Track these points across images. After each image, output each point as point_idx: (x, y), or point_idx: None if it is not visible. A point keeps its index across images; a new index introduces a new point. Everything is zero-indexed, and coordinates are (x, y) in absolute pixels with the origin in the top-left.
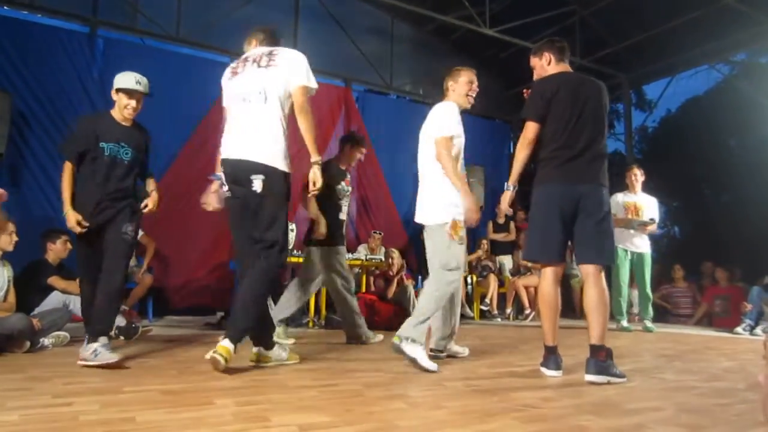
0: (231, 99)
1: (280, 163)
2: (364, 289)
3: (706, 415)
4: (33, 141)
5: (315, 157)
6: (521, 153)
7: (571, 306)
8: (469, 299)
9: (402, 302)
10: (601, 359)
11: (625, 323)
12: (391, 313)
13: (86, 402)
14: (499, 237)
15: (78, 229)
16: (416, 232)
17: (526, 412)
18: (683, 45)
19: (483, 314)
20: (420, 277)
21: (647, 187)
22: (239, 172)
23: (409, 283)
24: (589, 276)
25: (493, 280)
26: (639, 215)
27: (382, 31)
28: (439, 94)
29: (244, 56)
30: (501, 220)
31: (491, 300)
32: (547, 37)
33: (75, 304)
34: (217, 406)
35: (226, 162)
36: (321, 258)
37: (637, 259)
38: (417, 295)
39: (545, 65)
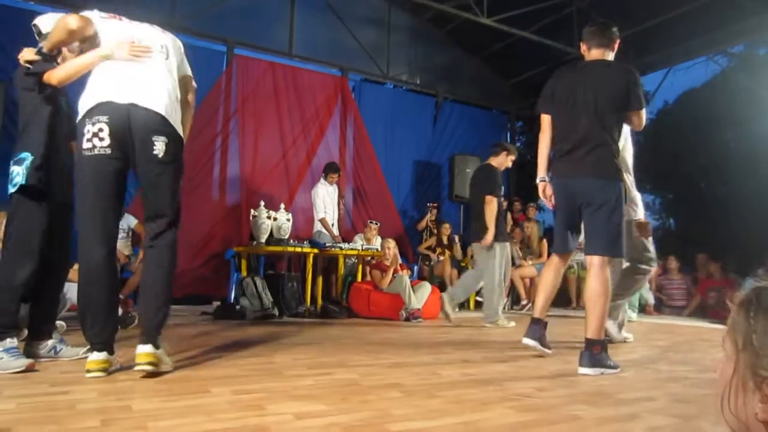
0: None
1: (181, 128)
2: (360, 279)
3: (697, 405)
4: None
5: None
6: (540, 145)
7: (566, 294)
8: None
9: (399, 292)
10: (595, 352)
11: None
12: (387, 303)
13: (83, 390)
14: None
15: None
16: (412, 223)
17: (521, 402)
18: (681, 36)
19: (479, 304)
20: (415, 265)
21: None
22: (137, 126)
23: (405, 273)
24: (592, 267)
25: None
26: None
27: (379, 20)
28: (437, 84)
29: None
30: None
31: None
32: (544, 27)
33: (72, 292)
34: (212, 394)
35: (106, 106)
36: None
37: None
38: (414, 285)
39: (585, 55)
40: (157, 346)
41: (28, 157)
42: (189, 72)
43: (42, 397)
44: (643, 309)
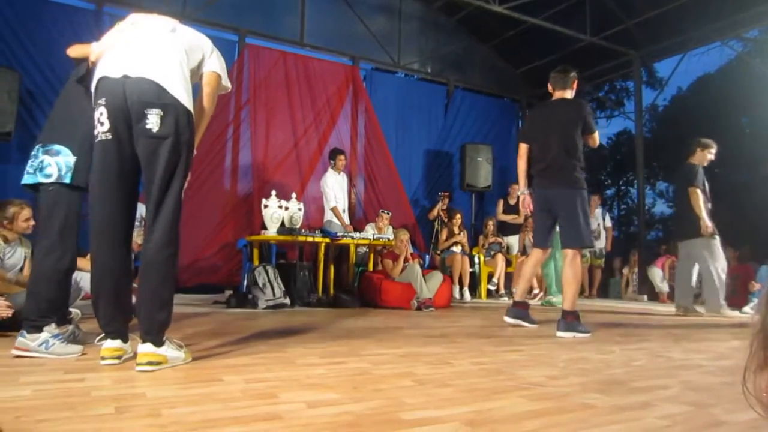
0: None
1: (187, 98)
2: (371, 268)
3: (711, 393)
4: (41, 119)
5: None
6: (519, 168)
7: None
8: (476, 279)
9: (410, 281)
10: (569, 320)
11: (554, 299)
12: (398, 292)
13: (98, 378)
14: (509, 218)
15: None
16: (423, 212)
17: (533, 391)
18: (695, 21)
19: (490, 293)
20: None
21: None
22: (131, 99)
23: (416, 262)
24: (566, 257)
25: (500, 260)
26: None
27: (390, 8)
28: (448, 73)
29: None
30: (512, 201)
31: (498, 279)
32: (556, 14)
33: (85, 280)
34: (225, 382)
35: (104, 83)
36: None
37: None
38: (425, 274)
39: (552, 93)
40: (158, 344)
41: (65, 152)
42: (214, 69)
43: (57, 384)
44: (657, 297)
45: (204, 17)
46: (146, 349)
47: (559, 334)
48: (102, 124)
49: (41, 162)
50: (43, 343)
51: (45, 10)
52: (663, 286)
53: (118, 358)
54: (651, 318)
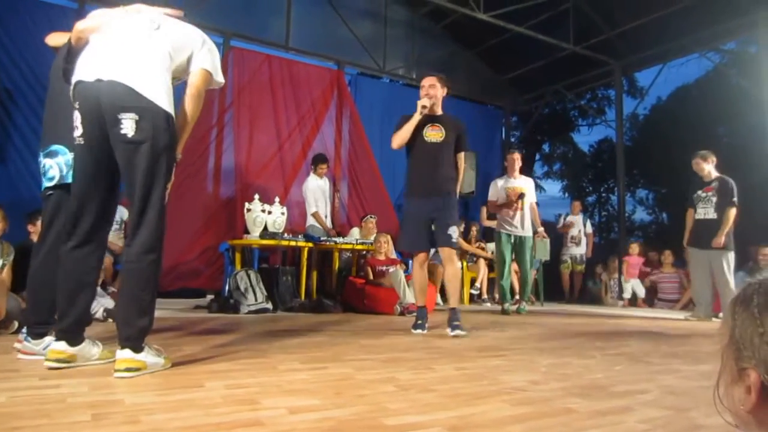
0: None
1: (165, 100)
2: (354, 273)
3: (690, 398)
4: (18, 118)
5: (178, 154)
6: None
7: (559, 289)
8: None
9: (394, 286)
10: (455, 317)
11: (507, 306)
12: (382, 297)
13: (74, 384)
14: (493, 224)
15: None
16: None
17: (515, 395)
18: (674, 33)
19: (472, 298)
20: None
21: (634, 174)
22: (105, 104)
23: (400, 268)
24: (448, 256)
25: (483, 265)
26: (522, 198)
27: (375, 14)
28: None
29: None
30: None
31: (481, 284)
32: (540, 23)
33: None
34: (206, 388)
35: (79, 87)
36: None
37: (519, 243)
38: (408, 279)
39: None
40: (137, 350)
41: (62, 150)
42: (202, 65)
43: (32, 390)
44: (634, 302)
45: (188, 19)
46: (125, 355)
47: (451, 332)
48: (77, 128)
49: (44, 166)
50: (47, 346)
51: (24, 7)
52: (639, 291)
53: (61, 362)
54: (630, 323)
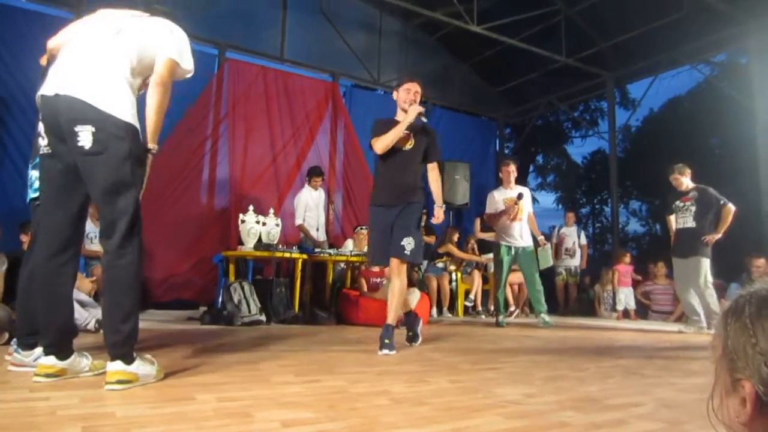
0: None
1: (122, 110)
2: (349, 285)
3: (684, 411)
4: (13, 126)
5: (151, 145)
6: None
7: (554, 300)
8: (453, 296)
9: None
10: (390, 334)
11: (502, 318)
12: (376, 309)
13: (65, 396)
14: (487, 236)
15: None
16: None
17: (509, 408)
18: (666, 45)
19: (467, 310)
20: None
21: (627, 186)
22: (63, 118)
23: None
24: (396, 268)
25: (477, 276)
26: (520, 199)
27: (370, 26)
28: (426, 90)
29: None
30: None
31: (475, 296)
32: (533, 35)
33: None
34: (198, 401)
35: (41, 101)
36: None
37: (521, 254)
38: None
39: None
40: (128, 362)
41: None
42: (167, 54)
43: (22, 402)
44: (629, 314)
45: (185, 30)
46: (116, 367)
47: (384, 351)
48: (43, 138)
49: (30, 177)
50: (38, 358)
51: (20, 17)
52: (630, 302)
53: (49, 376)
54: (624, 336)
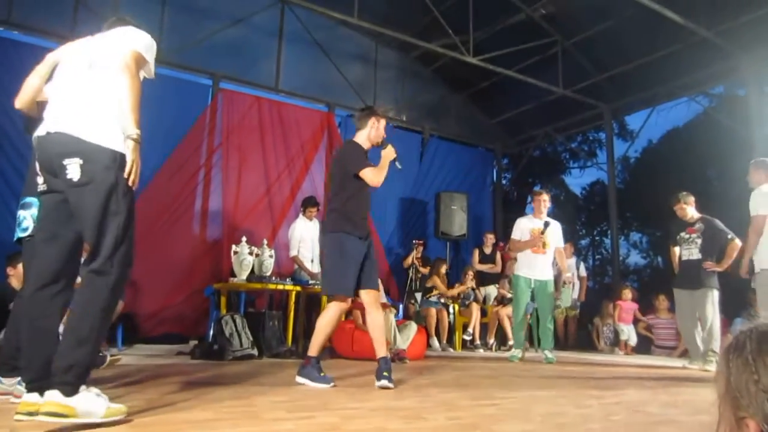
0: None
1: (109, 139)
2: (343, 318)
3: None
4: (2, 161)
5: (134, 130)
6: None
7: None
8: (451, 329)
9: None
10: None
11: (516, 352)
12: (371, 342)
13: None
14: (485, 267)
15: None
16: (397, 260)
17: None
18: (663, 77)
19: (465, 344)
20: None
21: (627, 217)
22: (53, 155)
23: (390, 312)
24: (374, 299)
25: (475, 309)
26: (545, 240)
27: (366, 57)
28: (423, 121)
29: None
30: (488, 250)
31: (474, 330)
32: (529, 66)
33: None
34: None
35: (36, 142)
36: None
37: (538, 287)
38: (399, 324)
39: None
40: (68, 393)
41: (35, 203)
42: (134, 47)
43: None
44: (626, 348)
45: (178, 61)
46: (51, 396)
47: (382, 383)
48: (40, 176)
49: (19, 217)
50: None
51: (13, 49)
52: (631, 337)
53: (32, 414)
54: (627, 371)
